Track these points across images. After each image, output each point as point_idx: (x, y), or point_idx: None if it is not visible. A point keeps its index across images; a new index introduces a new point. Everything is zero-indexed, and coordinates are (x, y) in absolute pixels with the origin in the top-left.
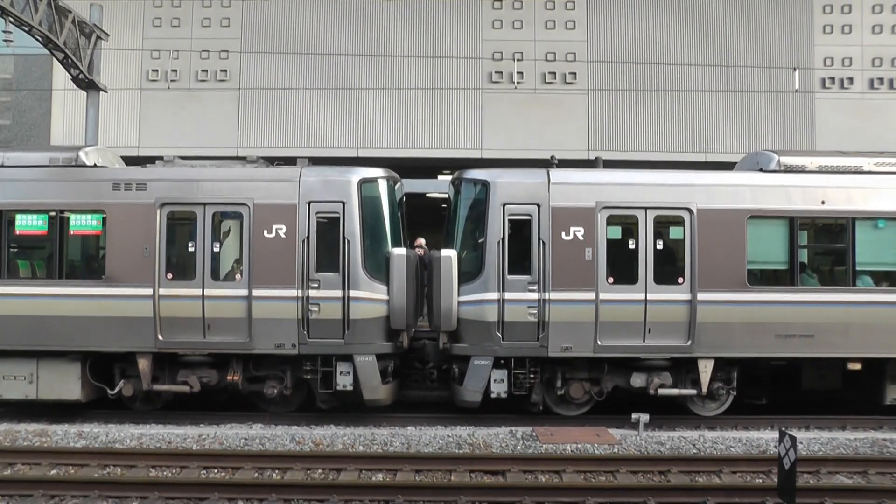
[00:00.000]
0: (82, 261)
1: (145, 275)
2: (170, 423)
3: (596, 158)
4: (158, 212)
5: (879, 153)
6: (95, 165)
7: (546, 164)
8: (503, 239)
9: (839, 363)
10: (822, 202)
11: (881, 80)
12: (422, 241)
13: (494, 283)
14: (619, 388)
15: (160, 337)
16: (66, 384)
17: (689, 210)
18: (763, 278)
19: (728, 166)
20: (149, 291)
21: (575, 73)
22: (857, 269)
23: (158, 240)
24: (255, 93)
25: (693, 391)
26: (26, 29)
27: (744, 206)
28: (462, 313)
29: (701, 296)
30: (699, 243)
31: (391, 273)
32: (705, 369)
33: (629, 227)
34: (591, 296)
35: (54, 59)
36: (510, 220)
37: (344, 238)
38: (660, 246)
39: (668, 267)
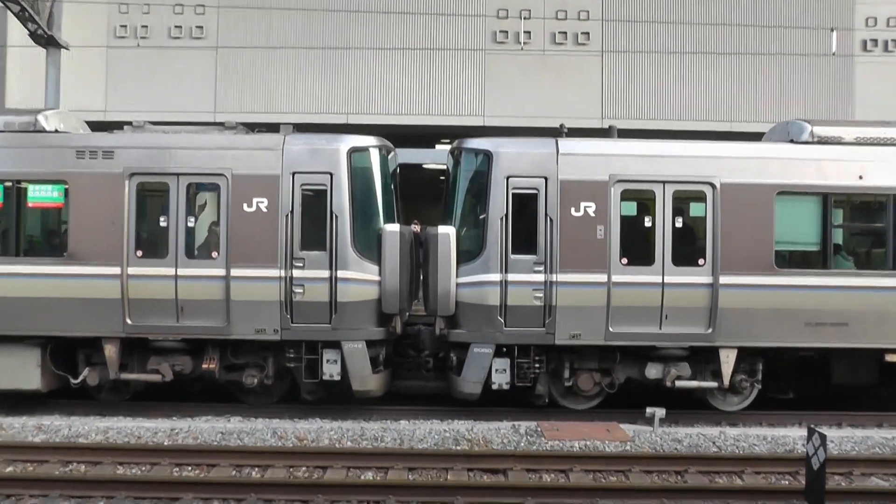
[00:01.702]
0: (42, 236)
1: (112, 252)
2: (139, 416)
3: (610, 127)
4: (127, 183)
5: None
6: (56, 131)
7: (555, 132)
8: (506, 215)
9: (875, 354)
10: (860, 177)
11: None
12: (417, 224)
13: (496, 263)
14: (633, 379)
15: (129, 321)
16: (25, 372)
17: (712, 184)
18: (792, 260)
19: (755, 137)
20: (116, 270)
21: (588, 34)
22: None
23: (127, 214)
24: (234, 52)
25: (714, 384)
26: None
27: (772, 180)
28: (461, 296)
29: (723, 279)
30: (722, 221)
31: (383, 252)
32: (727, 360)
33: (645, 202)
34: (603, 278)
35: (9, 13)
36: (514, 195)
37: (331, 213)
38: (679, 224)
39: (688, 247)
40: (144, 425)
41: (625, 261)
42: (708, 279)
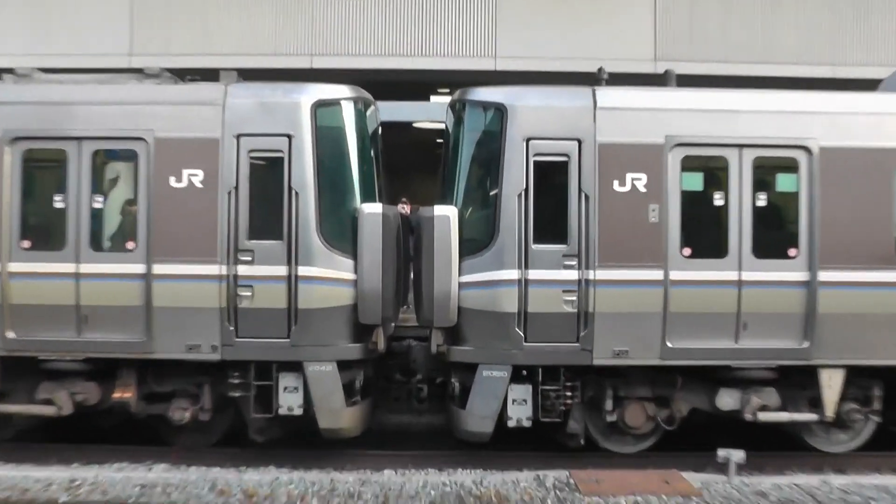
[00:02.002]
0: None
1: None
2: (26, 462)
3: (666, 72)
4: (8, 150)
5: None
6: None
7: (591, 80)
8: (526, 190)
9: None
10: None
11: None
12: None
13: (513, 255)
14: (699, 411)
15: (9, 334)
16: None
17: (807, 149)
18: None
19: (866, 86)
20: None
21: None
22: None
23: (8, 192)
24: None
25: (812, 416)
26: None
27: (892, 144)
28: (465, 301)
29: (824, 275)
30: (822, 198)
31: (360, 241)
32: (830, 383)
33: (715, 173)
34: (658, 275)
35: None
36: (537, 164)
37: (290, 189)
38: (762, 202)
39: (775, 233)
40: (33, 475)
41: (687, 252)
42: (802, 275)
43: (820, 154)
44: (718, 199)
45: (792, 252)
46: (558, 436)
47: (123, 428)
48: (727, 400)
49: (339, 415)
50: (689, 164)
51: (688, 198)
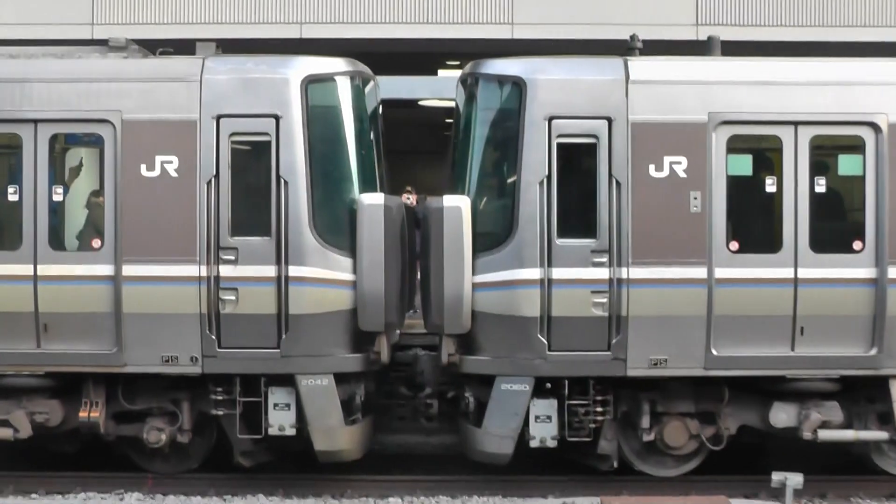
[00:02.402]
0: None
1: None
2: None
3: (709, 39)
4: None
5: None
6: None
7: (622, 49)
8: (548, 177)
9: None
10: None
11: None
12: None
13: (534, 252)
14: (749, 428)
15: None
16: None
17: (875, 126)
18: None
19: None
20: None
21: None
22: None
23: None
24: None
25: (882, 434)
26: None
27: None
28: (480, 304)
29: (895, 272)
30: (892, 183)
31: (360, 236)
32: None
33: (767, 156)
34: (702, 273)
35: None
36: (561, 146)
37: (279, 178)
38: (821, 188)
39: (836, 223)
40: None
41: (735, 245)
42: (869, 272)
43: (889, 131)
44: (770, 186)
45: (857, 245)
46: (587, 457)
47: (90, 453)
48: (782, 416)
49: (336, 435)
50: (736, 145)
51: (735, 184)
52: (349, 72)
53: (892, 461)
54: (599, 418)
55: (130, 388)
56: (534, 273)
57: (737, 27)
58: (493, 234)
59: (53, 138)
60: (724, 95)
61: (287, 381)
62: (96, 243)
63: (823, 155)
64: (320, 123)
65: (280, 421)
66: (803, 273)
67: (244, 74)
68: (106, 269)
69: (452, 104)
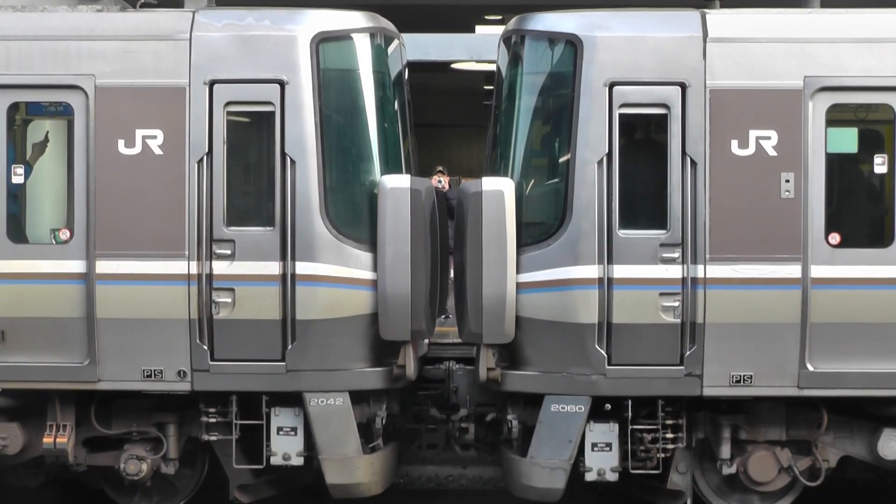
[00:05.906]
0: None
1: None
2: None
3: None
4: None
5: None
6: None
7: (698, 1)
8: (609, 155)
9: None
10: None
11: None
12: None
13: (591, 246)
14: (854, 460)
15: None
16: None
17: None
18: None
19: None
20: None
21: None
22: None
23: None
24: None
25: None
26: None
27: None
28: (526, 308)
29: None
30: None
31: (382, 227)
32: None
33: (876, 129)
34: (794, 271)
35: None
36: (625, 118)
37: (284, 156)
38: None
39: None
40: None
41: (835, 239)
42: None
43: None
44: (880, 166)
45: None
46: (655, 494)
47: (57, 487)
48: (894, 445)
49: (353, 466)
50: (838, 117)
51: (836, 163)
52: (369, 28)
53: None
54: (670, 447)
55: (105, 409)
56: (591, 271)
57: None
58: (541, 225)
59: (12, 108)
60: (823, 56)
61: (293, 400)
62: (64, 234)
63: None
64: (334, 90)
65: (285, 448)
66: None
67: (243, 32)
68: (76, 266)
69: (493, 67)
